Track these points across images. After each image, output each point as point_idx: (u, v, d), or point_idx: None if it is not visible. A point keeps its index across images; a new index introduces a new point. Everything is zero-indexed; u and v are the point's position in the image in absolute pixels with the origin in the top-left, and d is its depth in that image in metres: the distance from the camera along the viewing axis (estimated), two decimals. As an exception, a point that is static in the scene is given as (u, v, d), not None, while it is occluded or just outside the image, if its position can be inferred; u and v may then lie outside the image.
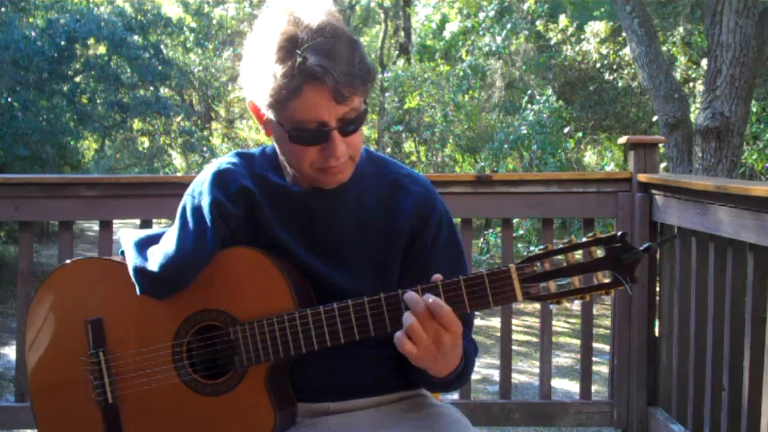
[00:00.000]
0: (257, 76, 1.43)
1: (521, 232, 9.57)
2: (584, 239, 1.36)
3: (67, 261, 1.66)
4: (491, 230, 9.98)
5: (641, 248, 1.34)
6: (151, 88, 14.36)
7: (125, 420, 1.56)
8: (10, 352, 7.05)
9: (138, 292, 1.54)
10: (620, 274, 1.34)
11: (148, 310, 1.55)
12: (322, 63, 1.37)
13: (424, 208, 1.59)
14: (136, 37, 14.13)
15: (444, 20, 13.78)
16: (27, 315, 1.63)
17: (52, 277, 1.64)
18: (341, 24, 1.45)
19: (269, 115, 1.47)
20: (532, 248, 1.39)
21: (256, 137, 18.87)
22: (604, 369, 5.39)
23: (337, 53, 1.39)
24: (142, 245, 1.60)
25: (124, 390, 1.56)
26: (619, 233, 1.35)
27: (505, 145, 10.38)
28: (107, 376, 1.56)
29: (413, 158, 14.08)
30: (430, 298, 1.36)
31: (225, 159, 1.64)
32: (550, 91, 10.98)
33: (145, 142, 17.81)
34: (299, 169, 1.51)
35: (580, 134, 12.26)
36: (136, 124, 16.69)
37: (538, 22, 12.11)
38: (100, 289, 1.62)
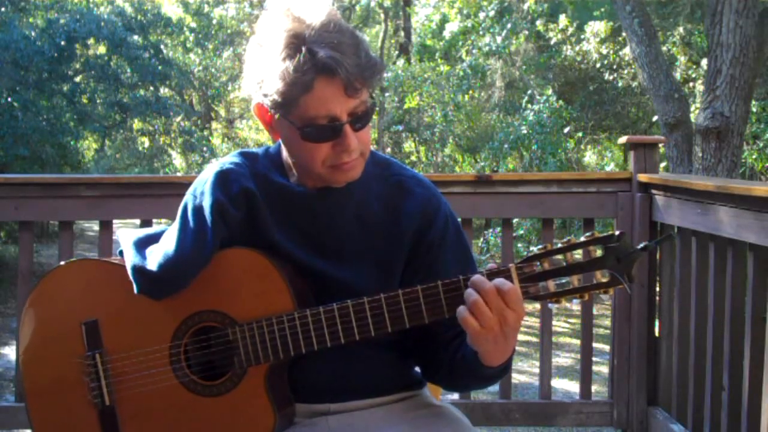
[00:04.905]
0: (265, 76, 1.43)
1: (521, 232, 9.55)
2: (583, 239, 1.37)
3: (61, 263, 1.65)
4: (491, 230, 9.97)
5: (639, 247, 1.35)
6: (151, 88, 14.35)
7: (123, 422, 1.55)
8: (10, 352, 7.05)
9: (135, 291, 1.53)
10: (618, 273, 1.35)
11: (145, 312, 1.54)
12: (333, 56, 1.37)
13: (428, 210, 1.59)
14: (136, 37, 14.12)
15: (444, 20, 13.76)
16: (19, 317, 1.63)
17: (45, 279, 1.62)
18: (343, 20, 1.45)
19: (278, 115, 1.46)
20: (532, 248, 1.40)
21: (256, 137, 18.86)
22: (604, 369, 5.39)
23: (344, 46, 1.40)
24: (141, 244, 1.60)
25: (122, 392, 1.55)
26: (617, 233, 1.36)
27: (505, 145, 10.37)
28: (104, 378, 1.55)
29: (413, 158, 14.07)
30: (495, 279, 1.37)
31: (228, 159, 1.64)
32: (550, 91, 10.96)
33: (145, 142, 17.80)
34: (311, 168, 1.50)
35: (580, 134, 12.25)
36: (136, 124, 16.68)
37: (538, 22, 12.09)
38: (96, 290, 1.60)
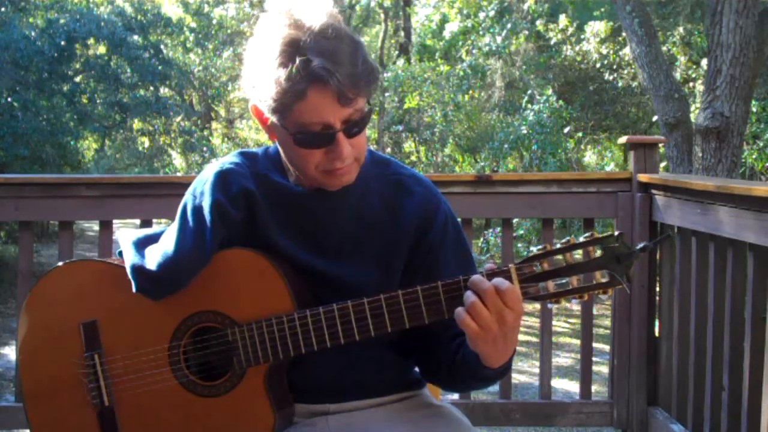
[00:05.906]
0: (260, 81, 1.43)
1: (521, 232, 9.55)
2: (582, 239, 1.37)
3: (59, 263, 1.65)
4: (491, 230, 9.97)
5: (638, 248, 1.35)
6: (151, 88, 14.34)
7: (122, 423, 1.55)
8: (10, 352, 7.04)
9: (134, 290, 1.53)
10: (617, 273, 1.35)
11: (144, 312, 1.54)
12: (326, 65, 1.37)
13: (428, 209, 1.59)
14: (136, 37, 14.11)
15: (444, 20, 13.75)
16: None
17: (43, 280, 1.62)
18: (342, 24, 1.44)
19: (273, 119, 1.46)
20: (531, 248, 1.40)
21: (256, 137, 18.85)
22: (604, 369, 5.39)
23: (340, 55, 1.39)
24: (141, 244, 1.60)
25: (121, 393, 1.55)
26: (616, 233, 1.36)
27: (505, 145, 10.37)
28: (103, 378, 1.55)
29: (413, 158, 14.07)
30: (494, 279, 1.36)
31: (228, 159, 1.64)
32: (550, 91, 10.96)
33: (145, 142, 17.79)
34: (304, 172, 1.51)
35: (580, 134, 12.25)
36: (136, 124, 16.67)
37: (538, 22, 12.09)
38: (94, 291, 1.60)
